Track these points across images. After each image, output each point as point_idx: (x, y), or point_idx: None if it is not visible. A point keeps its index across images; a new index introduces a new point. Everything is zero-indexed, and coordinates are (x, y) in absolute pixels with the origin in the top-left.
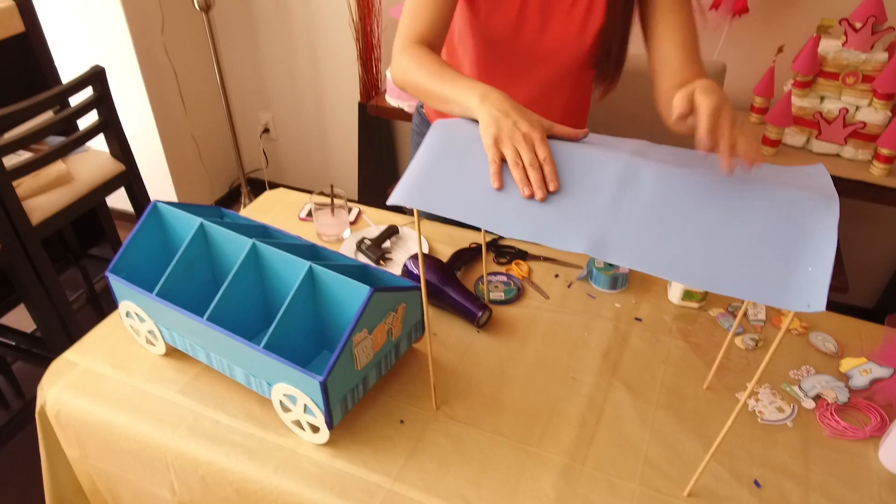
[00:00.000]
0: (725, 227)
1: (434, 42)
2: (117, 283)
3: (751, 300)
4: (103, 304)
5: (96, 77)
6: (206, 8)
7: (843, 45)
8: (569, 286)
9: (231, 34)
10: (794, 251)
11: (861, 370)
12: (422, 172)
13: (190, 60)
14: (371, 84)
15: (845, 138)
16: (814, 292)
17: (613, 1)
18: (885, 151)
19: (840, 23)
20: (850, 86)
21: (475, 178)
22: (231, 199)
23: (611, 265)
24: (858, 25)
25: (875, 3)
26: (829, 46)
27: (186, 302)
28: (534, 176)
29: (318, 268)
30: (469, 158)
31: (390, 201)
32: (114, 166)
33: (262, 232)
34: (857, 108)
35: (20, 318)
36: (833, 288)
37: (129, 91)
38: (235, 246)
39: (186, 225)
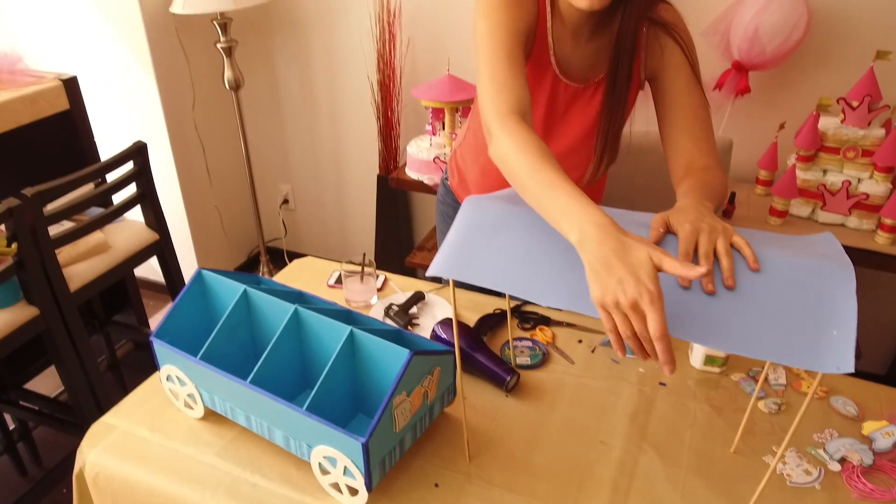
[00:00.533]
0: (752, 294)
1: (527, 112)
2: (161, 348)
3: (783, 363)
4: (123, 371)
5: (138, 152)
6: (236, 87)
7: (842, 122)
8: (592, 351)
9: (257, 110)
10: (818, 316)
11: (884, 433)
12: (457, 246)
13: (217, 135)
14: (390, 157)
15: (849, 209)
16: (841, 354)
17: (610, 92)
18: (888, 221)
19: (838, 101)
20: (850, 160)
21: (508, 249)
22: (249, 266)
23: None
24: (855, 104)
25: (870, 84)
26: (828, 123)
27: (227, 365)
28: (651, 351)
29: (358, 332)
30: (501, 232)
31: (430, 273)
32: (148, 235)
33: (299, 298)
34: (860, 180)
35: (40, 383)
36: None
37: (159, 164)
38: (278, 311)
39: (230, 291)
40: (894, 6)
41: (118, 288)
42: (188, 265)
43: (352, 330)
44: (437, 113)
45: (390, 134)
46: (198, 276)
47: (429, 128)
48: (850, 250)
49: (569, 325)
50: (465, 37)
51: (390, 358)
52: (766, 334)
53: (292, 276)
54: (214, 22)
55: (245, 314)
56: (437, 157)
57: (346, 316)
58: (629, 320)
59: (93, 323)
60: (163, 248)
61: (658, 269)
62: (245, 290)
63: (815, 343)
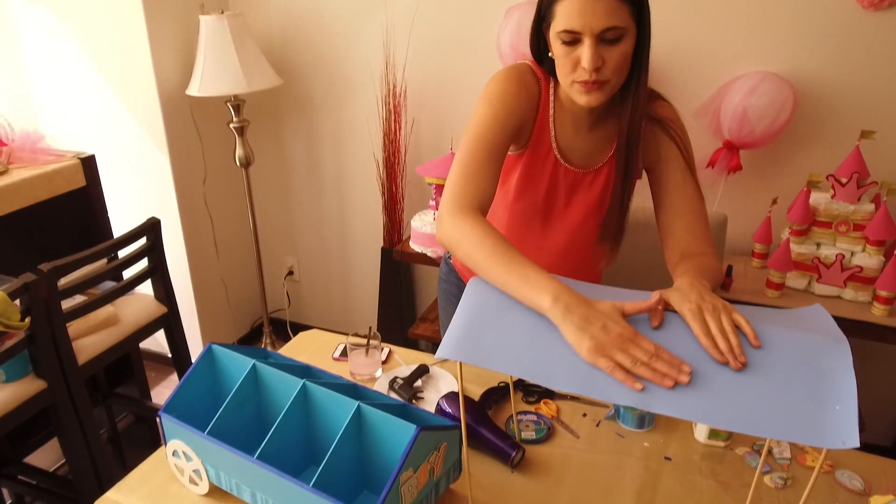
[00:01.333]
0: (753, 374)
1: (486, 209)
2: (169, 423)
3: (789, 441)
4: (123, 444)
5: (151, 228)
6: (247, 164)
7: (833, 197)
8: (597, 425)
9: (266, 185)
10: (819, 392)
11: None
12: (464, 328)
13: (226, 209)
14: (394, 231)
15: (844, 281)
16: (846, 429)
17: (614, 182)
18: (883, 293)
19: (827, 178)
20: (843, 233)
21: (515, 332)
22: (252, 337)
23: None
24: (844, 181)
25: (857, 161)
26: (819, 199)
27: (234, 439)
28: (662, 367)
29: (365, 406)
30: (507, 314)
31: (438, 356)
32: (157, 309)
33: (306, 372)
34: (853, 253)
35: (38, 456)
36: None
37: (168, 237)
38: (286, 386)
39: (239, 366)
40: (875, 88)
41: (122, 360)
42: (192, 336)
43: (359, 405)
44: (441, 189)
45: (395, 209)
46: (208, 351)
47: (432, 203)
48: (846, 322)
49: (573, 398)
50: (468, 117)
51: (397, 433)
52: (770, 412)
53: (298, 348)
54: (228, 104)
55: (253, 389)
56: None
57: (352, 390)
58: (628, 353)
59: (95, 395)
60: (171, 321)
61: (623, 314)
62: (254, 365)
63: (819, 419)
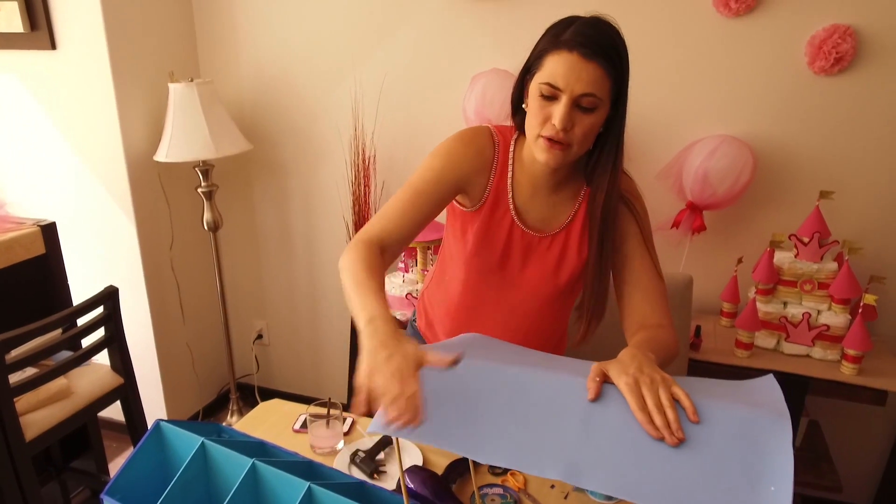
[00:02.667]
0: (689, 450)
1: (389, 245)
2: None
3: None
4: None
5: (108, 297)
6: (215, 228)
7: (796, 256)
8: (565, 497)
9: (235, 249)
10: (755, 471)
11: None
12: None
13: (193, 273)
14: None
15: (812, 340)
16: None
17: (589, 258)
18: (851, 352)
19: (790, 238)
20: (808, 292)
21: (449, 405)
22: (219, 404)
23: None
24: (806, 240)
25: (817, 221)
26: (783, 258)
27: None
28: (401, 408)
29: (316, 488)
30: (443, 387)
31: (369, 430)
32: (113, 380)
33: (259, 449)
34: (819, 312)
35: None
36: (827, 488)
37: (133, 303)
38: (235, 465)
39: (187, 444)
40: (831, 150)
41: (78, 431)
42: (156, 404)
43: (310, 486)
44: (410, 251)
45: None
46: (155, 429)
47: (401, 265)
48: (818, 381)
49: None
50: None
51: None
52: (702, 491)
53: (258, 420)
54: (196, 168)
55: (202, 468)
56: (410, 294)
57: (307, 469)
58: (385, 388)
59: (49, 470)
60: (127, 392)
61: (420, 364)
62: (203, 443)
63: (753, 500)
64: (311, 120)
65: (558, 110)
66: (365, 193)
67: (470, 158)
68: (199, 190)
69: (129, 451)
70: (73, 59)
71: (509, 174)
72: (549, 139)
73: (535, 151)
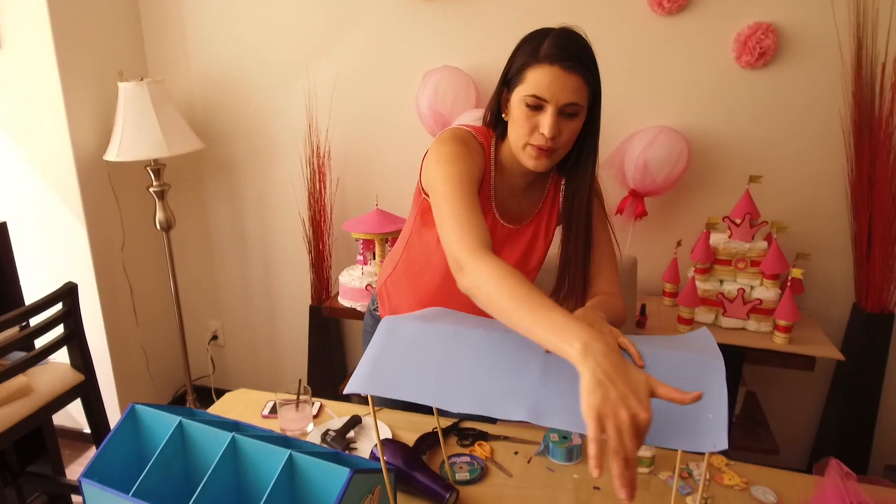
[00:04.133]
0: None
1: (492, 248)
2: (91, 489)
3: (668, 447)
4: None
5: (68, 293)
6: (167, 228)
7: (730, 237)
8: (528, 462)
9: (188, 249)
10: (695, 403)
11: None
12: (373, 363)
13: (146, 275)
14: (322, 288)
15: (747, 314)
16: (716, 434)
17: (575, 248)
18: (782, 323)
19: (723, 220)
20: (742, 270)
21: (422, 363)
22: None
23: (565, 438)
24: (738, 221)
25: (748, 204)
26: (718, 239)
27: (161, 502)
28: (631, 475)
29: (297, 454)
30: (416, 348)
31: (346, 390)
32: (73, 377)
33: (235, 427)
34: (752, 287)
35: None
36: (766, 451)
37: (84, 307)
38: (214, 441)
39: (164, 424)
40: (758, 137)
41: (34, 436)
42: (110, 408)
43: (291, 453)
44: (368, 244)
45: (322, 266)
46: (130, 412)
47: (360, 258)
48: (753, 351)
49: (505, 438)
50: (391, 175)
51: (330, 479)
52: (653, 423)
53: (225, 408)
54: (148, 168)
55: (180, 447)
56: (369, 285)
57: (283, 442)
58: (622, 439)
59: (5, 474)
60: (88, 389)
61: (652, 393)
62: (180, 422)
63: (694, 426)
64: (264, 117)
65: (546, 120)
66: (320, 190)
67: (476, 159)
68: (151, 189)
69: (85, 457)
70: (19, 57)
71: (491, 175)
72: (538, 147)
73: (524, 158)
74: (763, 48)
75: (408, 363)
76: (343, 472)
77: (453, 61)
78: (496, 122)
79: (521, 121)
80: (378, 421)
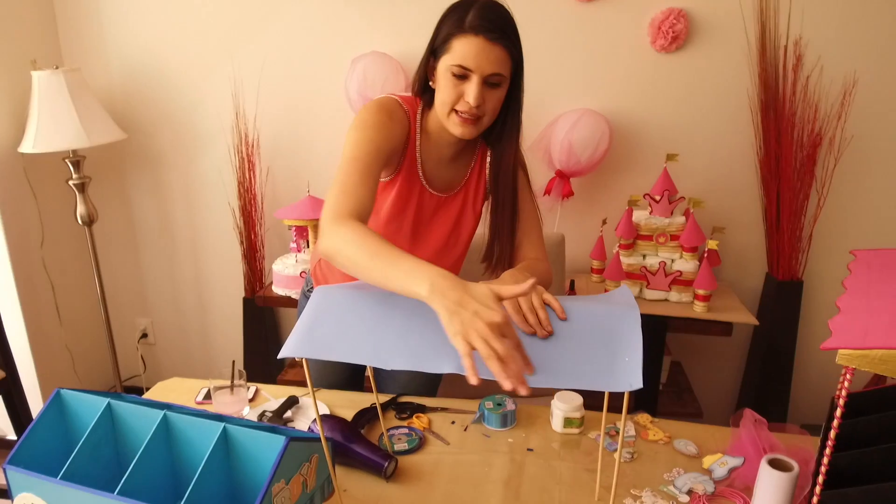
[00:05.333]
0: (561, 340)
1: (365, 219)
2: (15, 475)
3: (588, 388)
4: None
5: None
6: (90, 223)
7: (650, 213)
8: (465, 430)
9: (112, 244)
10: (612, 348)
11: (719, 463)
12: (307, 327)
13: (69, 272)
14: (256, 279)
15: (669, 285)
16: (632, 375)
17: (501, 214)
18: (701, 292)
19: (644, 197)
20: (662, 244)
21: (355, 326)
22: None
23: (499, 405)
24: (658, 198)
25: (666, 181)
26: (640, 215)
27: (92, 485)
28: (514, 368)
29: (232, 427)
30: (348, 313)
31: (281, 354)
32: None
33: (167, 408)
34: (673, 260)
35: None
36: (691, 415)
37: (2, 306)
38: (145, 420)
39: (92, 407)
40: (673, 117)
41: None
42: (35, 411)
43: (225, 426)
44: (301, 231)
45: (254, 256)
46: (56, 397)
47: (293, 245)
48: (675, 320)
49: (443, 409)
50: (323, 162)
51: (266, 448)
52: (572, 368)
53: (157, 398)
54: (66, 160)
55: (110, 428)
56: (304, 272)
57: (218, 419)
58: (489, 344)
59: None
60: (10, 386)
61: (499, 298)
62: (109, 403)
63: (611, 369)
64: (189, 106)
65: (471, 89)
66: (250, 179)
67: (395, 129)
68: (71, 182)
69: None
70: None
71: (417, 143)
72: (463, 115)
73: (450, 126)
74: (675, 32)
75: (341, 326)
76: (279, 441)
77: (381, 47)
78: (424, 89)
79: (448, 89)
80: (316, 400)
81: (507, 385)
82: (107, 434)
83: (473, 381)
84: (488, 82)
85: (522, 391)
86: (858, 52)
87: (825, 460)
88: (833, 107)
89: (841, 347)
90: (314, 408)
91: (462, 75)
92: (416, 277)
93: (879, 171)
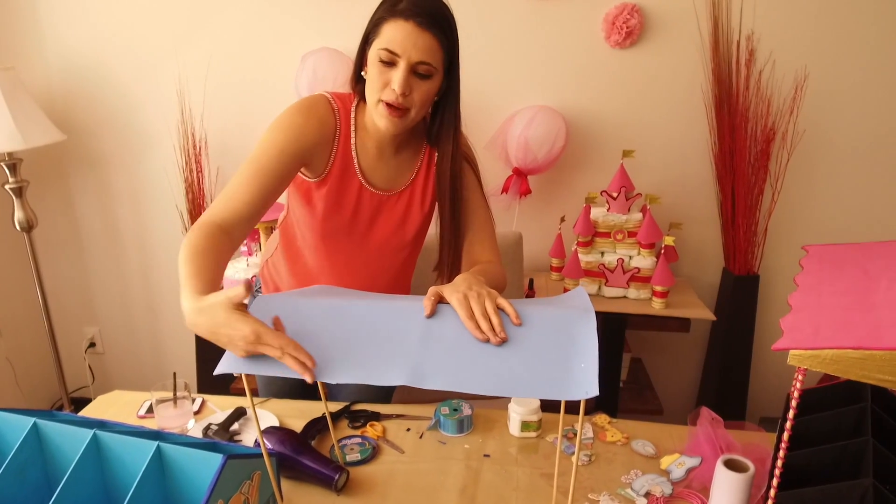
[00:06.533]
0: (515, 346)
1: (236, 226)
2: None
3: (543, 397)
4: None
5: None
6: (28, 228)
7: (608, 210)
8: (420, 437)
9: (55, 251)
10: (567, 354)
11: (677, 464)
12: None
13: (7, 280)
14: None
15: (627, 282)
16: (588, 382)
17: (444, 217)
18: (658, 288)
19: (601, 194)
20: (620, 241)
21: (297, 338)
22: None
23: (455, 410)
24: (615, 195)
25: (623, 177)
26: (598, 213)
27: None
28: (300, 355)
29: (166, 446)
30: (291, 324)
31: (217, 371)
32: None
33: (99, 426)
34: (631, 257)
35: None
36: (651, 412)
37: None
38: (74, 440)
39: (16, 427)
40: (629, 113)
41: None
42: None
43: (159, 444)
44: (253, 234)
45: None
46: None
47: (244, 249)
48: (634, 317)
49: (398, 416)
50: None
51: (203, 467)
52: (527, 376)
53: (97, 412)
54: (2, 163)
55: (37, 450)
56: (255, 276)
57: (154, 436)
58: (259, 350)
59: None
60: None
61: (234, 305)
62: (35, 423)
63: (567, 376)
64: (132, 106)
65: (397, 75)
66: (198, 180)
67: (312, 129)
68: (7, 187)
69: None
70: None
71: (353, 140)
72: (389, 105)
73: (377, 118)
74: (629, 27)
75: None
76: (216, 459)
77: (332, 43)
78: (358, 80)
79: (375, 76)
80: (265, 411)
81: (297, 368)
82: (33, 455)
83: (308, 370)
84: (417, 72)
85: (308, 366)
86: (809, 46)
87: (779, 462)
88: (785, 101)
89: (792, 348)
90: (256, 424)
91: (390, 61)
92: (185, 295)
93: (831, 164)
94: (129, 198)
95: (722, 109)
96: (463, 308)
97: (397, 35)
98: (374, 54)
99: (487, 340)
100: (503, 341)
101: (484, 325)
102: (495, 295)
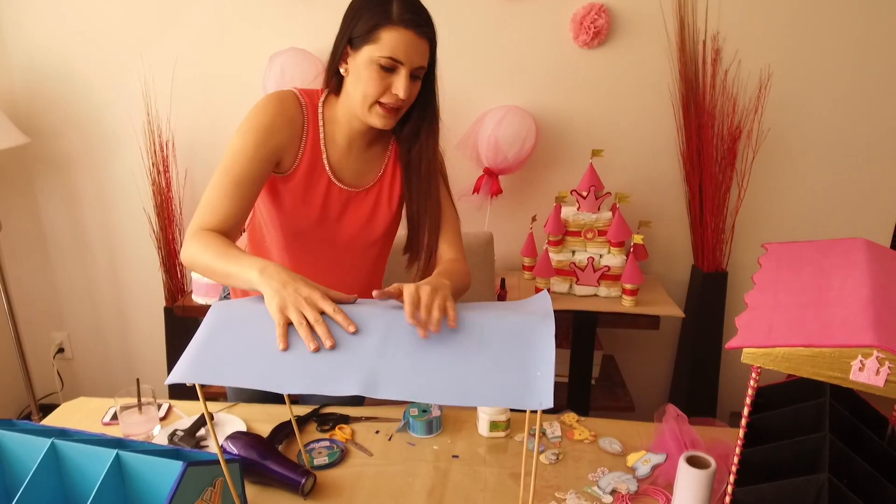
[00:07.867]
0: (472, 353)
1: (230, 230)
2: None
3: (498, 406)
4: None
5: None
6: None
7: (578, 209)
8: (389, 439)
9: (20, 256)
10: (524, 361)
11: (643, 461)
12: (201, 349)
13: None
14: (176, 288)
15: (598, 280)
16: (543, 392)
17: (416, 206)
18: (628, 286)
19: (571, 193)
20: (590, 240)
21: (253, 347)
22: None
23: (425, 412)
24: (585, 194)
25: (592, 177)
26: (568, 212)
27: None
28: (320, 330)
29: (125, 454)
30: (246, 332)
31: (169, 380)
32: None
33: (59, 434)
34: (601, 255)
35: None
36: (623, 409)
37: None
38: (32, 450)
39: None
40: (597, 113)
41: None
42: None
43: (118, 453)
44: None
45: (174, 263)
46: None
47: None
48: (604, 315)
49: (368, 419)
50: None
51: (164, 475)
52: (483, 384)
53: (61, 420)
54: None
55: None
56: None
57: (115, 444)
58: (300, 313)
59: None
60: None
61: (326, 292)
62: None
63: (523, 385)
64: (98, 107)
65: (401, 82)
66: (166, 182)
67: (280, 128)
68: None
69: None
70: None
71: (321, 135)
72: (388, 107)
73: (371, 118)
74: (597, 27)
75: (237, 347)
76: (176, 466)
77: (299, 43)
78: (335, 74)
79: (372, 81)
80: (233, 416)
81: (310, 346)
82: None
83: (281, 345)
84: (413, 75)
85: (327, 343)
86: (772, 46)
87: (735, 459)
88: (750, 100)
89: (745, 346)
90: (212, 434)
91: (391, 68)
92: (250, 266)
93: (795, 162)
94: (95, 200)
95: (689, 108)
96: (410, 298)
97: (400, 44)
98: (368, 58)
99: (415, 325)
100: (425, 335)
101: (422, 315)
102: (447, 296)
